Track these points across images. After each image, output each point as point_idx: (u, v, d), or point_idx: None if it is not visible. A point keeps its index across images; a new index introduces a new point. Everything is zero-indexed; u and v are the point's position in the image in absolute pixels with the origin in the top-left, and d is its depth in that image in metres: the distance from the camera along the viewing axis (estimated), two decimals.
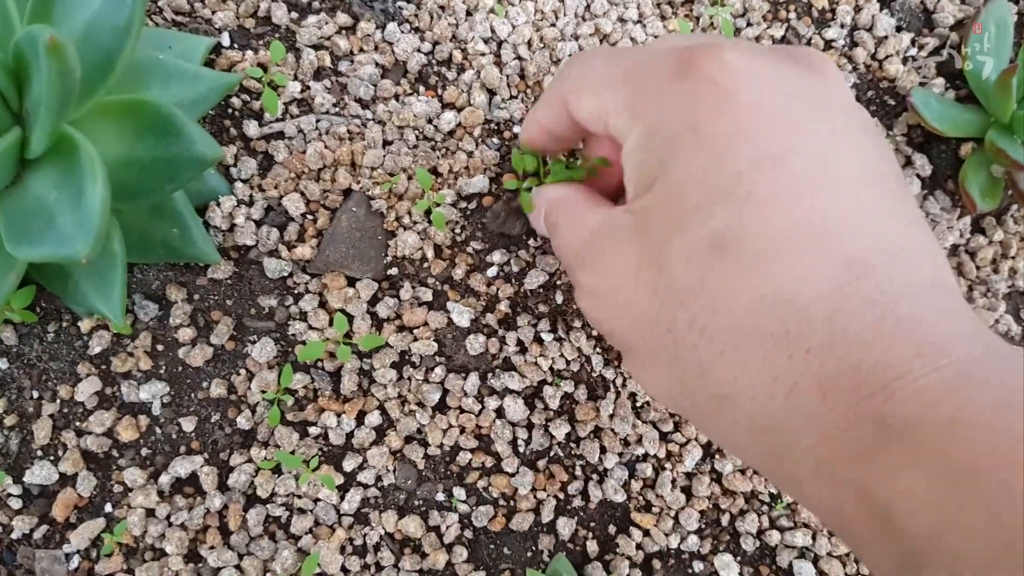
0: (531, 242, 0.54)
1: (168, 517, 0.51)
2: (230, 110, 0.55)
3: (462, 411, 0.54)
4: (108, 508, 0.51)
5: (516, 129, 0.56)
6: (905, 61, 0.62)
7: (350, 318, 0.53)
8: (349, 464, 0.53)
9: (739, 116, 0.33)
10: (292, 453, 0.52)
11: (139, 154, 0.45)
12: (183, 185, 0.46)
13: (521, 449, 0.54)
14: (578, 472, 0.54)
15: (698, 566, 0.55)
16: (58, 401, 0.52)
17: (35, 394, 0.52)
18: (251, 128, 0.54)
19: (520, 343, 0.54)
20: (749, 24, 0.61)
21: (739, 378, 0.31)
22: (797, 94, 0.34)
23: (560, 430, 0.54)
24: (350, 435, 0.53)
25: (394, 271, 0.54)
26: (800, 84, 0.34)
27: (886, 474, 0.26)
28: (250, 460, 0.52)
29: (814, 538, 0.55)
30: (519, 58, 0.56)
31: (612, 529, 0.54)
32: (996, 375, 0.26)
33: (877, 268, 0.30)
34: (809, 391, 0.29)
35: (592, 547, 0.54)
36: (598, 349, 0.55)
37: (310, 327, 0.53)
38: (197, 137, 0.45)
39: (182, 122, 0.45)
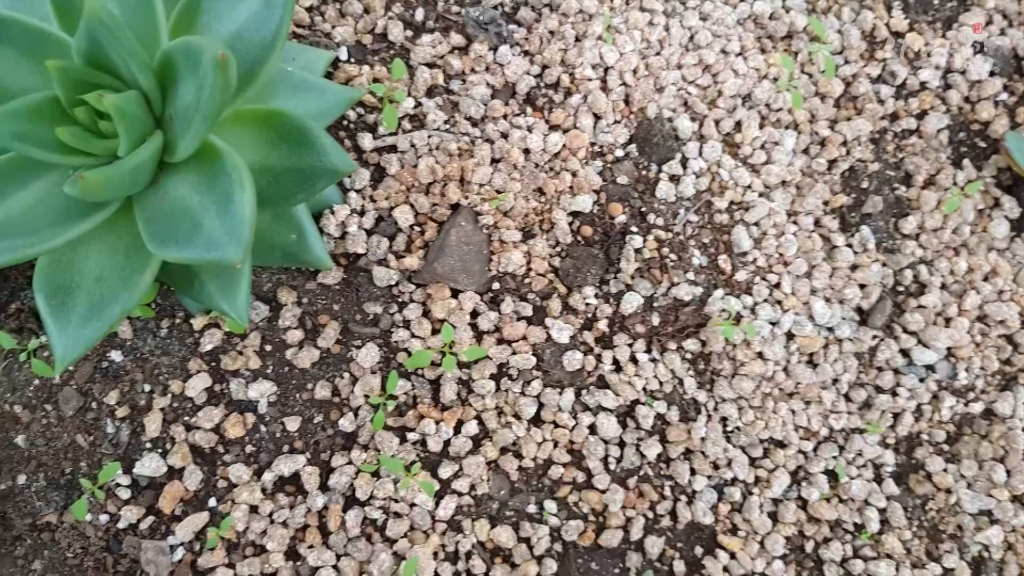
0: (623, 265, 0.54)
1: (271, 514, 0.51)
2: (345, 122, 0.55)
3: (556, 425, 0.53)
4: (212, 503, 0.51)
5: (619, 152, 0.56)
6: (997, 105, 0.62)
7: (452, 329, 0.53)
8: (445, 471, 0.52)
9: None
10: (392, 457, 0.52)
11: (272, 163, 0.46)
12: (314, 195, 0.46)
13: (612, 466, 0.54)
14: (667, 492, 0.54)
15: None
16: (169, 395, 0.52)
17: (147, 388, 0.52)
18: (366, 141, 0.54)
19: (616, 362, 0.54)
20: (847, 62, 0.60)
21: None
22: None
23: (651, 450, 0.53)
24: (447, 443, 0.53)
25: (496, 285, 0.54)
26: None
27: None
28: (351, 462, 0.52)
29: (897, 569, 0.54)
30: (625, 84, 0.56)
31: (699, 550, 0.54)
32: None
33: None
34: None
35: (679, 567, 0.53)
36: (691, 372, 0.55)
37: (413, 335, 0.53)
38: (331, 149, 0.45)
39: (317, 134, 0.45)
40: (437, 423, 0.53)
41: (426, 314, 0.54)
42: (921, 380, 0.57)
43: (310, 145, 0.45)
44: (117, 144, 0.42)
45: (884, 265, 0.58)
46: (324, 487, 0.52)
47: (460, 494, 0.53)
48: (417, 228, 0.54)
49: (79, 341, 0.43)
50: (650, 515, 0.53)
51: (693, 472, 0.54)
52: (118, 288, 0.44)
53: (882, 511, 0.55)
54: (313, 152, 0.45)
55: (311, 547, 0.51)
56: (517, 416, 0.53)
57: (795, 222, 0.57)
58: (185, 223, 0.41)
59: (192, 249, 0.40)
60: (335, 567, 0.51)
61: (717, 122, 0.57)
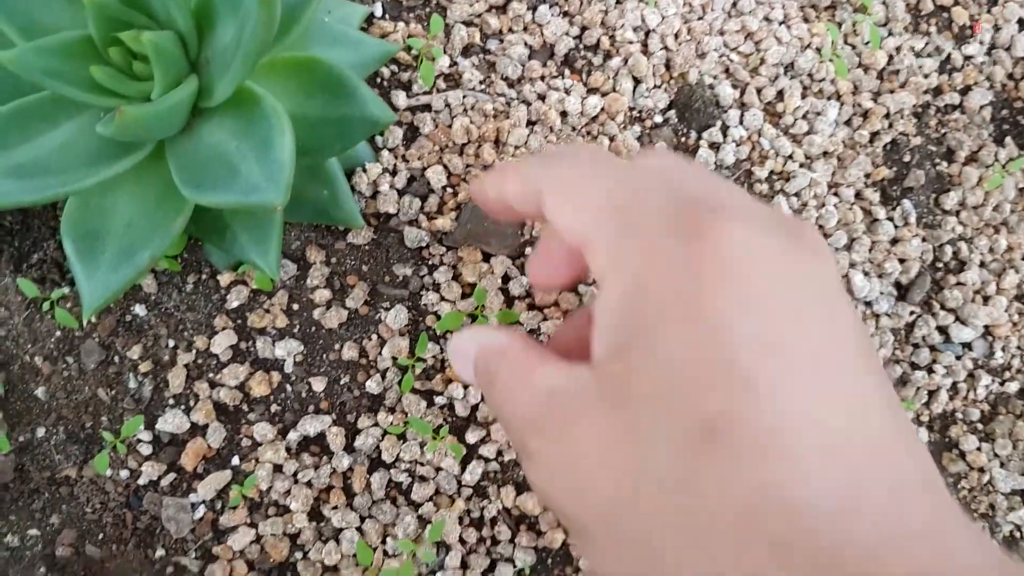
0: None
1: (295, 474, 0.50)
2: (379, 80, 0.54)
3: None
4: (235, 461, 0.50)
5: (658, 119, 0.55)
6: None
7: (485, 292, 0.52)
8: (472, 437, 0.51)
9: (741, 296, 0.30)
10: (420, 419, 0.50)
11: (309, 112, 0.44)
12: (352, 146, 0.45)
13: None
14: None
15: None
16: (193, 351, 0.51)
17: (171, 343, 0.51)
18: (400, 99, 0.53)
19: None
20: (891, 34, 0.59)
21: None
22: (799, 277, 0.31)
23: None
24: (475, 408, 0.52)
25: (530, 249, 0.53)
26: (803, 266, 0.32)
27: None
28: (377, 424, 0.51)
29: None
30: (666, 48, 0.55)
31: None
32: None
33: (877, 467, 0.28)
34: None
35: None
36: None
37: (443, 298, 0.52)
38: (369, 99, 0.43)
39: (355, 83, 0.43)
40: (465, 387, 0.51)
41: (456, 277, 0.53)
42: (958, 358, 0.56)
43: (348, 94, 0.44)
44: (151, 87, 0.41)
45: (924, 240, 0.56)
46: (350, 448, 0.51)
47: (487, 460, 0.52)
48: (450, 189, 0.53)
49: (108, 287, 0.42)
50: None
51: None
52: (148, 234, 0.43)
53: None
54: (351, 102, 0.44)
55: (335, 508, 0.50)
56: None
57: (836, 194, 0.56)
58: (221, 168, 0.40)
59: (229, 193, 0.39)
60: (359, 529, 0.50)
61: (759, 90, 0.56)
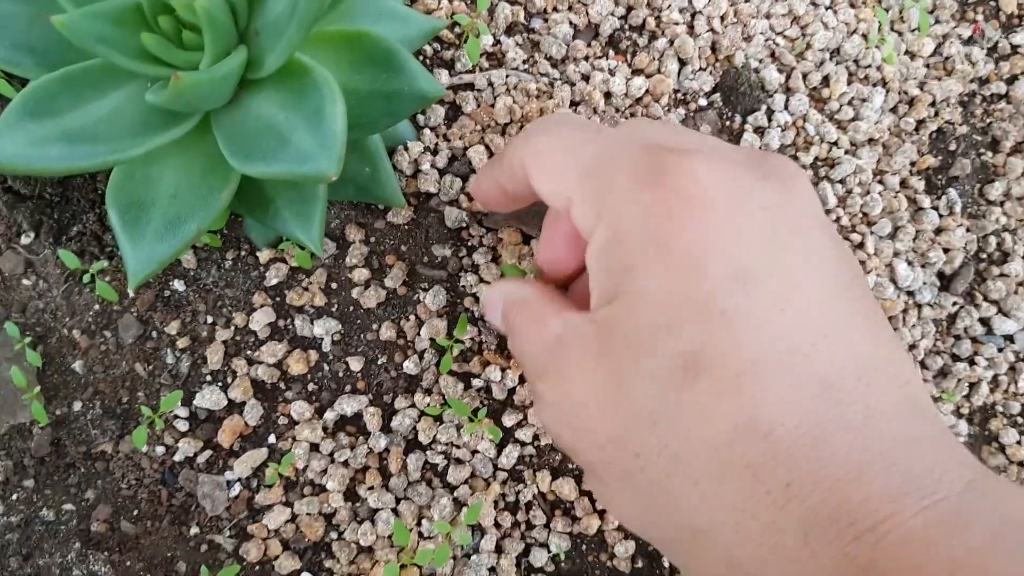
0: None
1: (331, 453, 0.49)
2: (421, 58, 0.53)
3: None
4: (272, 440, 0.50)
5: (702, 101, 0.54)
6: None
7: (522, 274, 0.51)
8: (509, 420, 0.51)
9: (710, 232, 0.30)
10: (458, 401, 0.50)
11: (357, 86, 0.44)
12: (399, 121, 0.44)
13: None
14: None
15: None
16: (232, 328, 0.50)
17: (209, 319, 0.50)
18: (442, 77, 0.52)
19: None
20: (938, 21, 0.58)
21: (715, 511, 0.28)
22: (769, 207, 0.31)
23: None
24: (512, 391, 0.51)
25: None
26: (772, 196, 0.31)
27: None
28: (413, 405, 0.50)
29: None
30: (712, 31, 0.54)
31: None
32: (981, 516, 0.24)
33: (855, 392, 0.27)
34: (790, 530, 0.26)
35: None
36: None
37: (481, 280, 0.51)
38: (419, 73, 0.43)
39: (404, 57, 0.43)
40: (503, 371, 0.51)
41: (495, 259, 0.52)
42: (999, 350, 0.55)
43: (397, 68, 0.43)
44: (199, 57, 0.40)
45: (968, 231, 0.55)
46: (386, 429, 0.50)
47: (523, 444, 0.51)
48: None
49: (153, 258, 0.41)
50: None
51: None
52: (195, 206, 0.42)
53: None
54: (400, 75, 0.43)
55: (371, 488, 0.49)
56: None
57: (881, 181, 0.55)
58: (270, 139, 0.39)
59: (280, 163, 0.38)
60: (394, 510, 0.49)
61: (805, 75, 0.55)
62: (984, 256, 0.56)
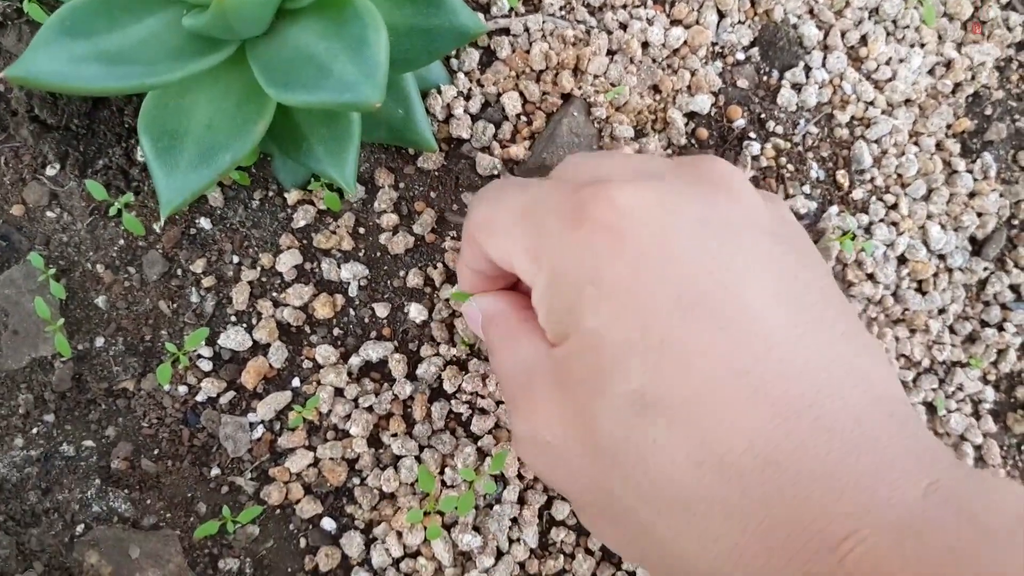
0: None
1: (356, 399, 0.49)
2: None
3: None
4: (296, 383, 0.49)
5: (740, 56, 0.53)
6: None
7: None
8: None
9: (640, 261, 0.29)
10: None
11: (396, 21, 0.42)
12: (438, 57, 0.43)
13: None
14: None
15: None
16: (258, 269, 0.49)
17: (235, 259, 0.49)
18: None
19: None
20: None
21: (682, 539, 0.28)
22: (701, 219, 0.30)
23: None
24: None
25: None
26: (704, 206, 0.30)
27: None
28: (439, 354, 0.50)
29: None
30: None
31: None
32: (936, 527, 0.23)
33: (808, 407, 0.27)
34: (753, 551, 0.26)
35: None
36: None
37: None
38: (460, 8, 0.42)
39: None
40: None
41: None
42: None
43: (437, 4, 0.42)
44: None
45: (1001, 196, 0.55)
46: (411, 376, 0.49)
47: None
48: (524, 117, 0.51)
49: (187, 187, 0.40)
50: None
51: None
52: (229, 136, 0.41)
53: (978, 448, 0.53)
54: (441, 10, 0.42)
55: (395, 435, 0.49)
56: None
57: (916, 143, 0.54)
58: (310, 68, 0.38)
59: (320, 92, 0.37)
60: (418, 458, 0.49)
61: (843, 33, 0.54)
62: (1016, 222, 0.55)
